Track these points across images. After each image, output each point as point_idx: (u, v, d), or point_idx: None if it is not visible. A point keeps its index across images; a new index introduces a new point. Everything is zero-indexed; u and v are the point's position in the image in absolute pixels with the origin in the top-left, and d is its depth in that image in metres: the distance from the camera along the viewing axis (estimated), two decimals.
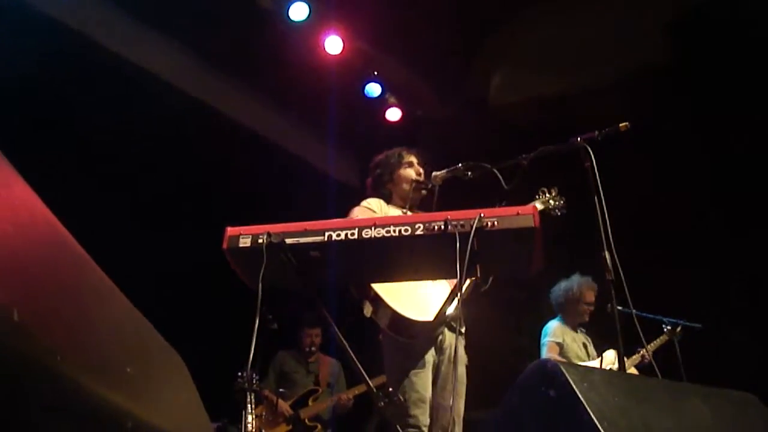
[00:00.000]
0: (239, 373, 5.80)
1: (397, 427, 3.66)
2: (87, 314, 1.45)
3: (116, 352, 1.51)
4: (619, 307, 3.91)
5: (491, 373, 5.08)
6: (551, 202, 4.90)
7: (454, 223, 2.95)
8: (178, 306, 6.63)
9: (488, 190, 4.28)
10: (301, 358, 7.90)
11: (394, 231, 3.00)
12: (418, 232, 2.98)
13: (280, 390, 7.34)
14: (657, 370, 4.45)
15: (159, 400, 1.68)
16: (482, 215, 2.94)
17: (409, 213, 4.51)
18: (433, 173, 4.63)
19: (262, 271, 2.99)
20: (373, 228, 3.02)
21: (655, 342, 6.88)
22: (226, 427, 6.50)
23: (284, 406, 7.40)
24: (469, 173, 4.43)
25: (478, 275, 3.20)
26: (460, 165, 4.48)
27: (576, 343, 7.13)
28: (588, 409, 2.40)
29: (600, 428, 2.32)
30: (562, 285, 7.35)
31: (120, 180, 6.90)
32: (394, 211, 4.59)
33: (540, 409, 2.69)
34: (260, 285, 3.00)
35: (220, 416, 6.30)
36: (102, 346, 1.44)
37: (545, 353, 7.03)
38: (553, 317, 7.37)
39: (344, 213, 4.51)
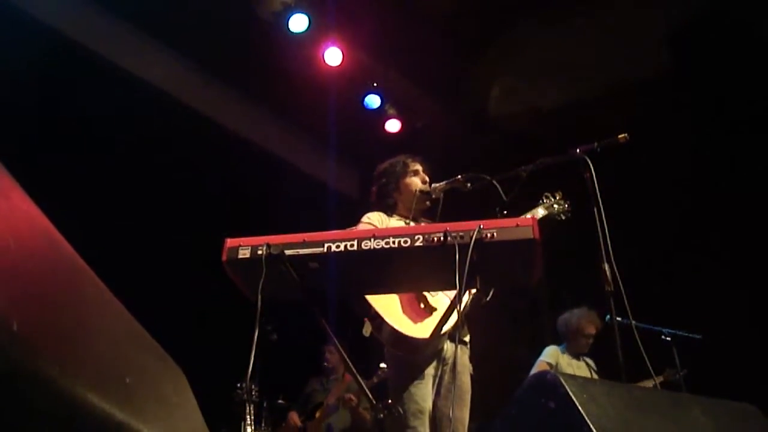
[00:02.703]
0: (238, 385, 5.81)
1: None
2: (86, 325, 1.45)
3: (115, 363, 1.50)
4: (619, 318, 3.90)
5: (490, 383, 5.06)
6: (555, 206, 4.83)
7: (453, 234, 2.94)
8: (178, 317, 6.62)
9: (489, 200, 4.28)
10: (324, 377, 7.97)
11: (394, 242, 2.98)
12: (418, 244, 2.97)
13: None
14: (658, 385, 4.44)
15: (158, 411, 1.67)
16: (482, 227, 2.92)
17: (412, 224, 4.49)
18: (433, 185, 4.61)
19: (261, 282, 2.98)
20: (372, 239, 3.00)
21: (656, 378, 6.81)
22: None
23: (295, 419, 7.47)
24: (469, 185, 4.42)
25: (478, 286, 3.19)
26: (459, 176, 4.45)
27: (572, 368, 7.17)
28: (587, 420, 2.39)
29: None
30: (565, 316, 7.52)
31: (119, 189, 6.89)
32: (396, 223, 4.55)
33: (539, 420, 2.68)
34: (260, 296, 2.99)
35: (219, 427, 6.28)
36: (101, 357, 1.44)
37: (534, 370, 7.12)
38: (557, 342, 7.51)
39: (344, 223, 4.49)
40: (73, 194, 6.05)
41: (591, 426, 2.37)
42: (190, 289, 7.01)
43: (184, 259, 6.88)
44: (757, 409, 3.35)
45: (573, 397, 2.48)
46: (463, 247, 2.90)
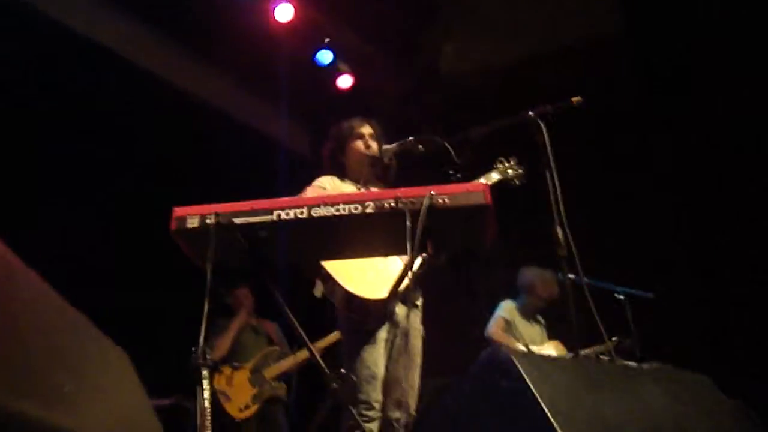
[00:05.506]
0: (193, 349, 5.74)
1: (349, 405, 3.68)
2: (14, 325, 1.35)
3: (51, 367, 1.42)
4: (571, 275, 3.88)
5: (446, 339, 5.07)
6: (509, 171, 4.78)
7: (404, 200, 2.92)
8: (129, 286, 6.52)
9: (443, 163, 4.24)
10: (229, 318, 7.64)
11: (344, 209, 2.96)
12: (368, 210, 2.95)
13: (235, 364, 7.21)
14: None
15: (102, 413, 1.60)
16: (433, 193, 2.91)
17: (362, 189, 4.44)
18: (384, 147, 4.53)
19: (210, 251, 2.94)
20: (322, 206, 2.97)
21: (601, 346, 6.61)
22: (180, 403, 6.40)
23: (243, 374, 7.21)
24: (421, 147, 4.35)
25: (430, 251, 3.18)
26: (410, 138, 4.39)
27: (528, 327, 7.29)
28: (540, 402, 2.39)
29: (554, 423, 2.31)
30: (527, 271, 7.54)
31: (61, 156, 6.67)
32: (347, 188, 4.49)
33: (492, 399, 2.68)
34: (209, 266, 2.95)
35: (171, 393, 6.19)
36: (34, 363, 1.35)
37: (491, 325, 7.20)
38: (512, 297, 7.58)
39: (295, 182, 4.45)
40: (17, 160, 5.90)
41: (544, 407, 2.37)
42: (139, 258, 6.85)
43: (129, 228, 6.72)
44: (710, 381, 3.38)
45: (525, 377, 2.48)
46: (415, 214, 2.88)
